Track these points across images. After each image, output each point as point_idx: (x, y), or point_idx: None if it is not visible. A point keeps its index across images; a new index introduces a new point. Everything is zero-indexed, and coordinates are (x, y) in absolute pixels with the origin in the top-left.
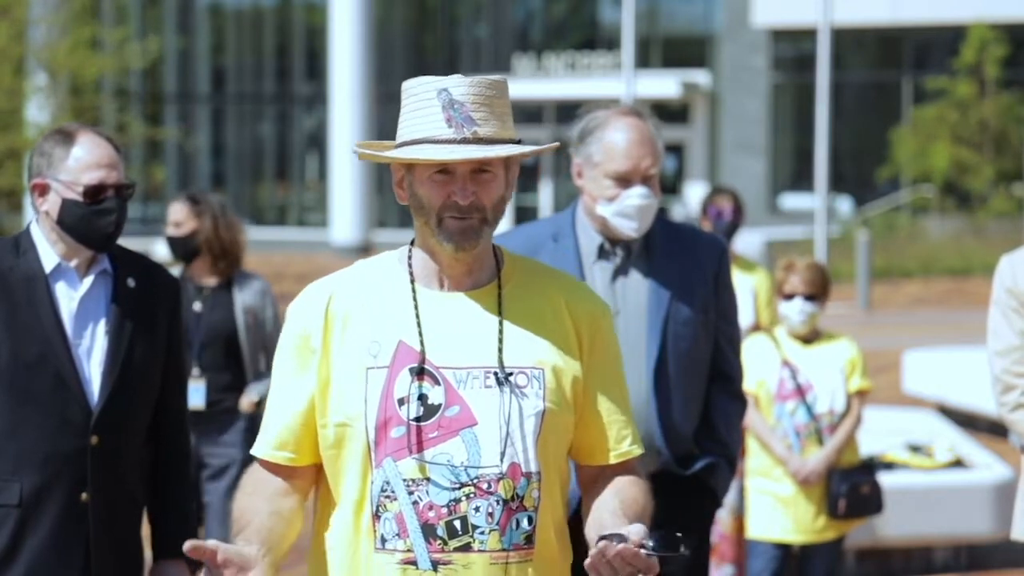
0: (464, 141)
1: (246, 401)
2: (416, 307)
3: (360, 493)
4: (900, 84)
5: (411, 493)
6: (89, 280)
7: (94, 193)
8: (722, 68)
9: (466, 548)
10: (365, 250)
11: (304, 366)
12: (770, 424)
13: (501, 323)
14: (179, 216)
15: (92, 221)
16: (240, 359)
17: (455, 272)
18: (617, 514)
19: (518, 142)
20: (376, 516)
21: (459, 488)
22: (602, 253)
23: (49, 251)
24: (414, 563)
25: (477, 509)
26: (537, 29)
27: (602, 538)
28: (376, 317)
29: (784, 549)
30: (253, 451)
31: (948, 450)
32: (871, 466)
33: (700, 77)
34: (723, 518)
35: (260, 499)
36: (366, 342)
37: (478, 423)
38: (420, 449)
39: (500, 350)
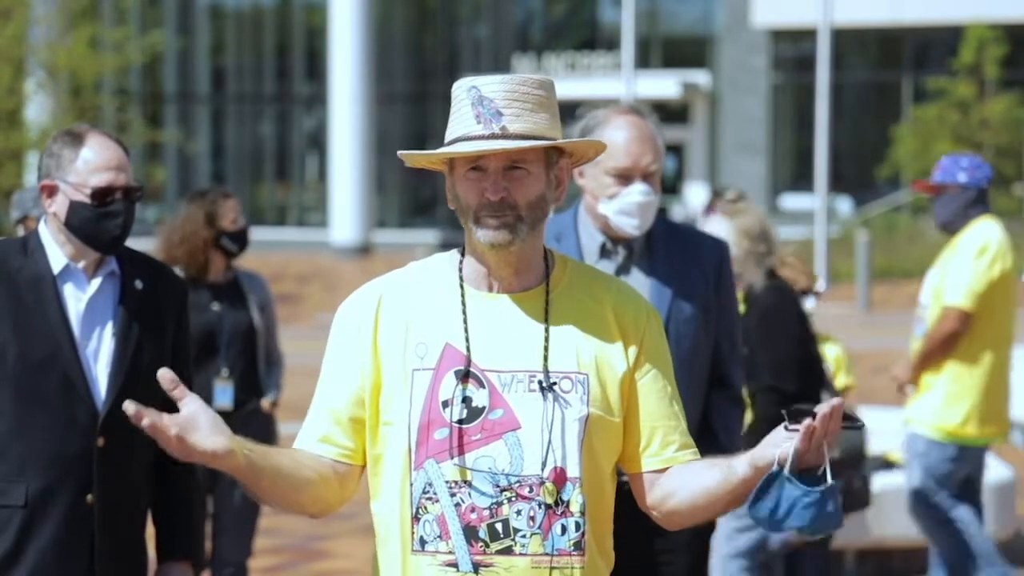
0: (492, 137)
1: (267, 402)
2: (464, 310)
3: (400, 494)
4: (900, 84)
5: (453, 495)
6: (97, 281)
7: (102, 195)
8: (722, 68)
9: (508, 551)
10: (365, 250)
11: (353, 365)
12: None
13: (547, 328)
14: (238, 212)
15: (100, 223)
16: (255, 357)
17: (503, 274)
18: (718, 463)
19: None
20: (415, 518)
21: (501, 492)
22: (604, 252)
23: (57, 252)
24: (455, 565)
25: (519, 513)
26: (537, 29)
27: (789, 421)
28: (424, 319)
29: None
30: (296, 444)
31: None
32: (860, 461)
33: (700, 77)
34: None
35: (285, 449)
36: (413, 344)
37: (521, 427)
38: (462, 452)
39: (545, 355)
